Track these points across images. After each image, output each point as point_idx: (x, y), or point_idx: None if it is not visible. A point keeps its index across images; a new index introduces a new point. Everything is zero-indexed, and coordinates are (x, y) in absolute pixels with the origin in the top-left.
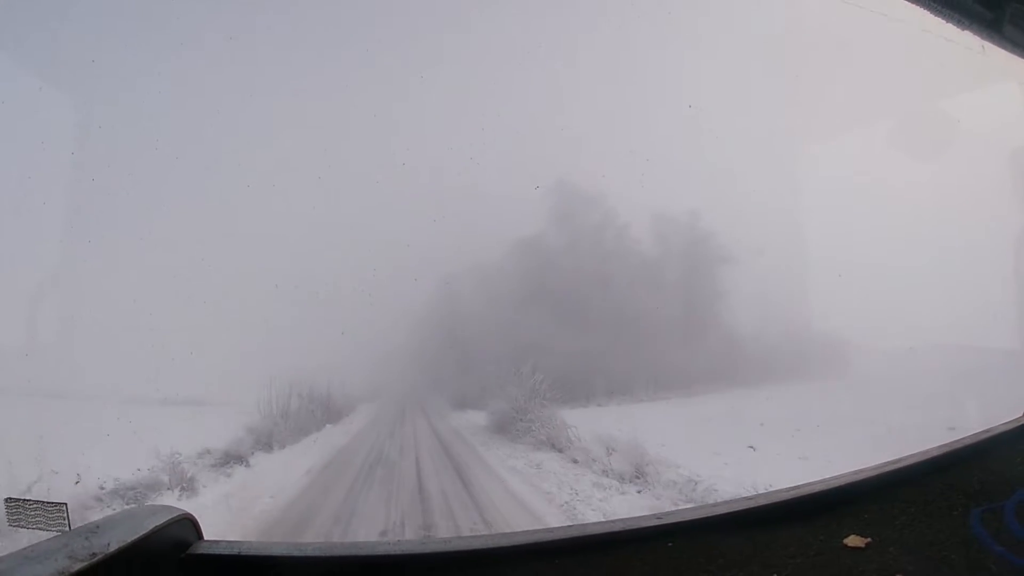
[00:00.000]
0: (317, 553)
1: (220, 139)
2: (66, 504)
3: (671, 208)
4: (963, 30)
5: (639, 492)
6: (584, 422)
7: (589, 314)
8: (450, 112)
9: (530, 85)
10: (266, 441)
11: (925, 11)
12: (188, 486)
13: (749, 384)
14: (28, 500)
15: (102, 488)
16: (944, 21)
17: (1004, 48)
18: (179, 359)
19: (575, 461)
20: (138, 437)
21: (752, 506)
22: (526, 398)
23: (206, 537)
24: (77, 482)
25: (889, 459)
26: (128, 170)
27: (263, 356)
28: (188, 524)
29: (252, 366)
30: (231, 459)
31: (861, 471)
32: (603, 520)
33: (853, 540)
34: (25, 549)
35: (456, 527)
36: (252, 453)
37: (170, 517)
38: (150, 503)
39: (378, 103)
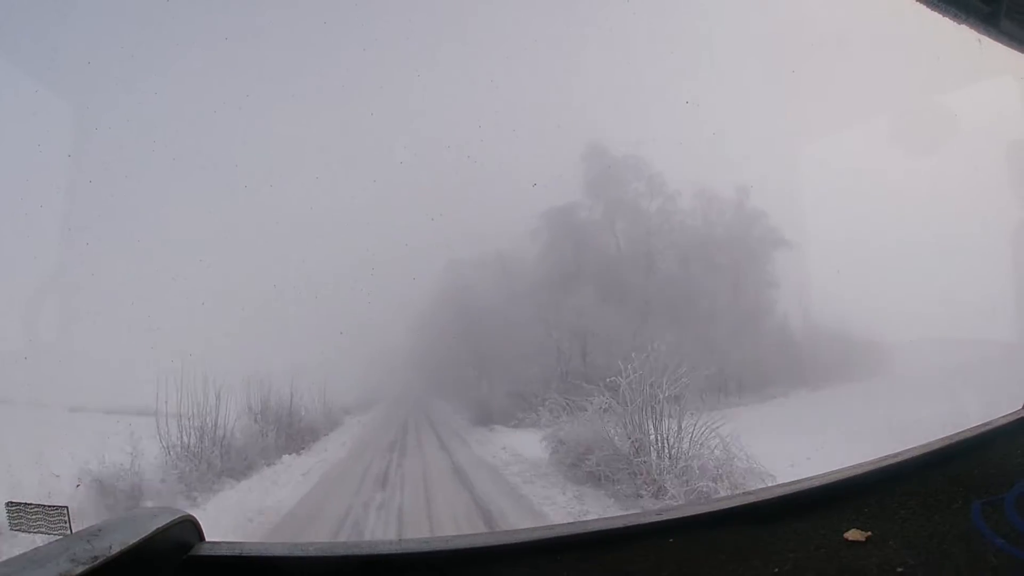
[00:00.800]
0: (319, 553)
1: (216, 139)
2: (67, 507)
3: (720, 186)
4: (960, 24)
5: None
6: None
7: (636, 302)
8: (459, 92)
9: (543, 68)
10: (133, 508)
11: (922, 5)
12: None
13: (809, 385)
14: (29, 504)
15: None
16: (941, 15)
17: (1001, 42)
18: (146, 362)
19: None
20: None
21: (752, 501)
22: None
23: (208, 538)
24: None
25: (890, 452)
26: (124, 172)
27: (242, 357)
28: (190, 525)
29: (225, 369)
30: None
31: (861, 465)
32: (604, 517)
33: (853, 534)
34: (27, 553)
35: None
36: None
37: (172, 519)
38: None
39: (381, 76)
